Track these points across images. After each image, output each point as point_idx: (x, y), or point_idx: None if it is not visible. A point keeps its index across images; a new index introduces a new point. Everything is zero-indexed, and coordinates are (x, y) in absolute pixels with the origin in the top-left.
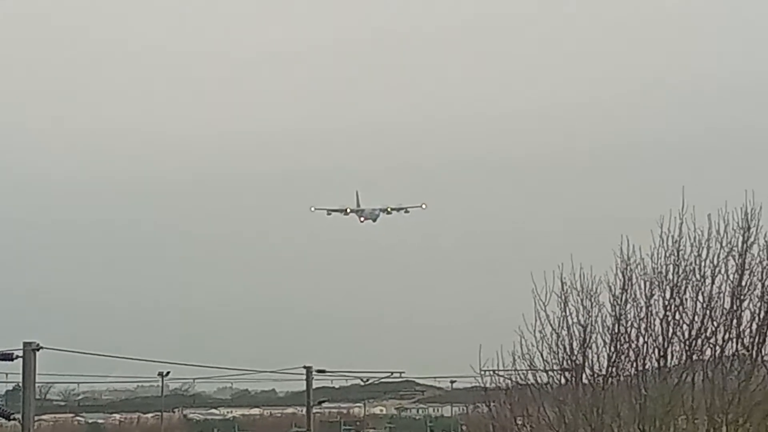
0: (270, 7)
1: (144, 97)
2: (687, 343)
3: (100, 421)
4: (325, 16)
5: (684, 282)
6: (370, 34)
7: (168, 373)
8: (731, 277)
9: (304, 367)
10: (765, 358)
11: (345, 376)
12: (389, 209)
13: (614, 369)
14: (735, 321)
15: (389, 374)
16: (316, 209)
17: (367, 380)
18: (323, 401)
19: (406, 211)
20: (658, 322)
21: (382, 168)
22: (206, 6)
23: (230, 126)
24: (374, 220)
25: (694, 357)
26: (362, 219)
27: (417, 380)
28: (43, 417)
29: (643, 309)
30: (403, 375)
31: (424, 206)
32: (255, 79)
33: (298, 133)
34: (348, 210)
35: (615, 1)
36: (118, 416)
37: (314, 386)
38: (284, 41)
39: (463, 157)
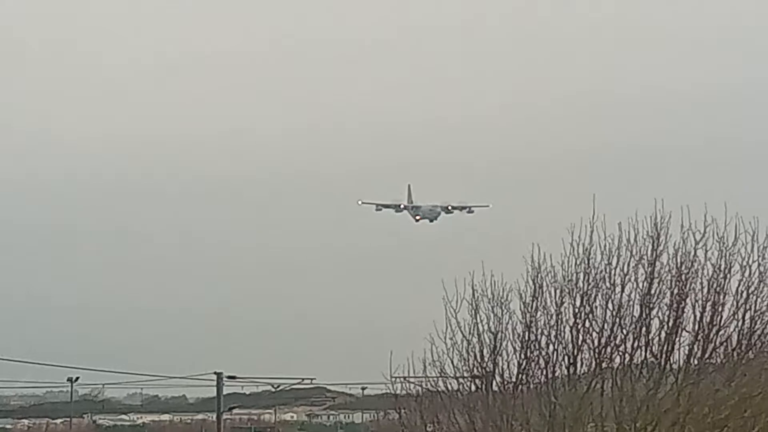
0: None
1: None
2: (596, 350)
3: (8, 426)
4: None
5: (594, 290)
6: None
7: (77, 378)
8: (641, 285)
9: (215, 373)
10: (673, 365)
11: (255, 382)
12: (450, 207)
13: (524, 376)
14: (644, 329)
15: (300, 380)
16: (363, 203)
17: (278, 386)
18: (234, 407)
19: (470, 211)
20: (568, 329)
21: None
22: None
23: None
24: (432, 220)
25: (604, 364)
26: (418, 217)
27: (328, 387)
28: None
29: (554, 316)
30: (314, 381)
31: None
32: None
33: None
34: (402, 206)
35: (532, 14)
36: (26, 422)
37: (225, 392)
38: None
39: None
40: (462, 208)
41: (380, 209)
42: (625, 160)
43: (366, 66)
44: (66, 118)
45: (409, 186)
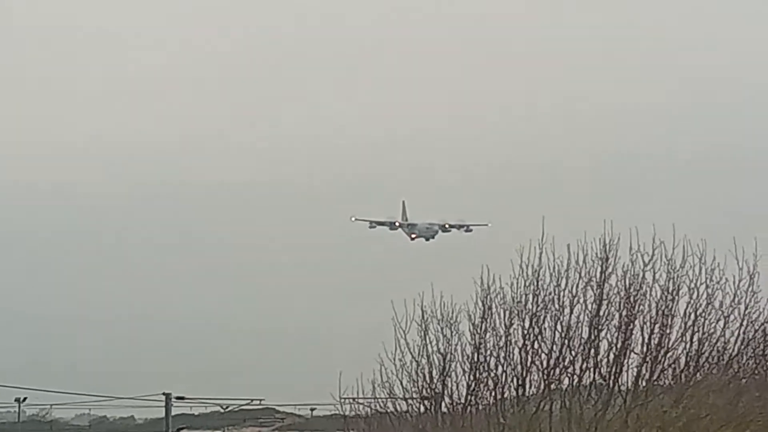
0: None
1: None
2: (545, 372)
3: None
4: None
5: (543, 311)
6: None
7: (25, 398)
8: (589, 306)
9: (164, 393)
10: (622, 387)
11: (204, 403)
12: (447, 225)
13: (473, 398)
14: (593, 350)
15: (249, 401)
16: (356, 219)
17: (227, 407)
18: (182, 428)
19: (468, 230)
20: (517, 351)
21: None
22: None
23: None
24: (428, 239)
25: (552, 386)
26: (414, 235)
27: (277, 407)
28: None
29: (503, 338)
30: (262, 402)
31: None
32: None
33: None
34: (397, 223)
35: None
36: None
37: (173, 413)
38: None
39: None
40: (460, 227)
41: (374, 226)
42: (573, 181)
43: (365, 73)
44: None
45: (403, 202)
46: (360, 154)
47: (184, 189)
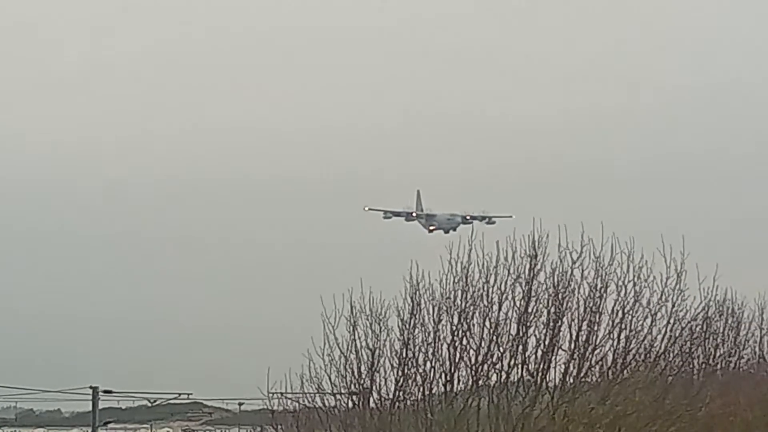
0: None
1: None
2: (473, 368)
3: None
4: None
5: (472, 308)
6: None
7: None
8: (518, 303)
9: (91, 387)
10: (549, 384)
11: (132, 396)
12: (468, 217)
13: (401, 393)
14: (521, 347)
15: (177, 395)
16: (370, 209)
17: (155, 401)
18: (109, 422)
19: (491, 221)
20: (445, 347)
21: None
22: None
23: None
24: (447, 231)
25: (480, 382)
26: (432, 227)
27: (205, 402)
28: None
29: (431, 334)
30: (191, 396)
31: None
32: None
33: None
34: (414, 213)
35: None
36: None
37: (100, 407)
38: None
39: None
40: (482, 218)
41: (389, 217)
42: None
43: (374, 62)
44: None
45: (418, 192)
46: (372, 144)
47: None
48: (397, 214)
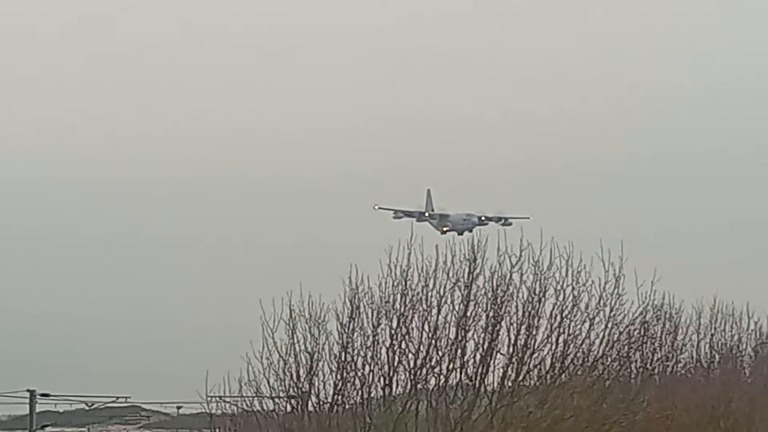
0: None
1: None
2: (412, 372)
3: None
4: None
5: (411, 311)
6: None
7: None
8: (457, 307)
9: (27, 390)
10: (488, 388)
11: (69, 400)
12: (484, 217)
13: (340, 397)
14: (459, 351)
15: (115, 399)
16: (380, 208)
17: (92, 405)
18: (46, 426)
19: (507, 223)
20: (384, 350)
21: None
22: None
23: None
24: (461, 232)
25: (419, 386)
26: (445, 228)
27: (143, 405)
28: None
29: (370, 337)
30: (129, 400)
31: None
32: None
33: None
34: (427, 213)
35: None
36: None
37: (38, 410)
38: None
39: None
40: (498, 219)
41: (400, 216)
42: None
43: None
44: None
45: (428, 191)
46: (380, 142)
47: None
48: (409, 214)
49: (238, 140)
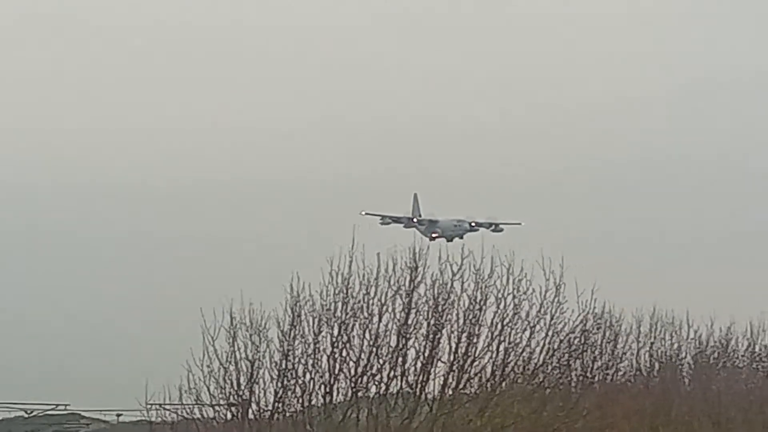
0: None
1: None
2: (353, 379)
3: None
4: None
5: (352, 319)
6: None
7: None
8: (398, 315)
9: None
10: (428, 395)
11: (8, 407)
12: (474, 223)
13: (280, 405)
14: (400, 359)
15: (54, 406)
16: (367, 213)
17: (31, 412)
18: None
19: (498, 229)
20: (325, 358)
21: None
22: None
23: None
24: (451, 239)
25: (360, 394)
26: (433, 235)
27: (82, 413)
28: None
29: (311, 345)
30: (68, 407)
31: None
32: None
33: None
34: (414, 219)
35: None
36: None
37: None
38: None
39: None
40: (489, 225)
41: (388, 222)
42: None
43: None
44: None
45: (415, 195)
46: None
47: None
48: (397, 220)
49: (216, 141)
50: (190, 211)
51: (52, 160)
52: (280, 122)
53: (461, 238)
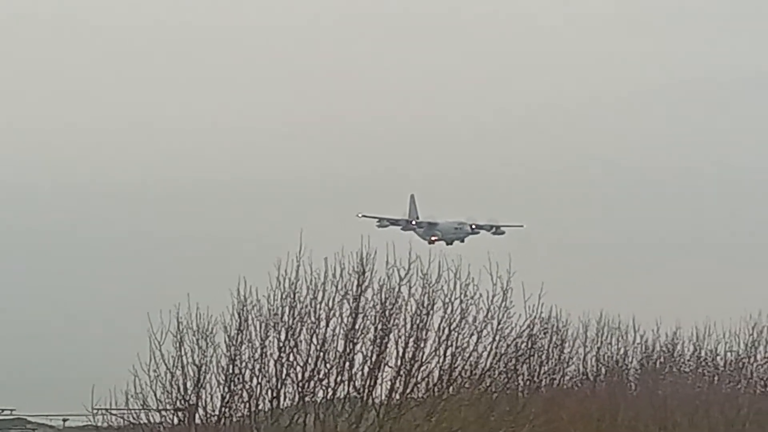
0: None
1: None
2: (300, 384)
3: None
4: None
5: (299, 324)
6: None
7: None
8: (345, 320)
9: None
10: (375, 400)
11: None
12: (474, 226)
13: (227, 409)
14: (347, 363)
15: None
16: (363, 216)
17: None
18: None
19: (499, 231)
20: (272, 363)
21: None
22: None
23: None
24: (451, 242)
25: (307, 399)
26: (433, 238)
27: (28, 417)
28: None
29: (258, 350)
30: (14, 412)
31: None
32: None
33: None
34: (413, 222)
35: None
36: None
37: None
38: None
39: None
40: (490, 228)
41: (385, 225)
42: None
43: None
44: None
45: (412, 196)
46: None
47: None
48: (395, 223)
49: (216, 141)
50: (190, 211)
51: (52, 160)
52: (280, 122)
53: (462, 241)
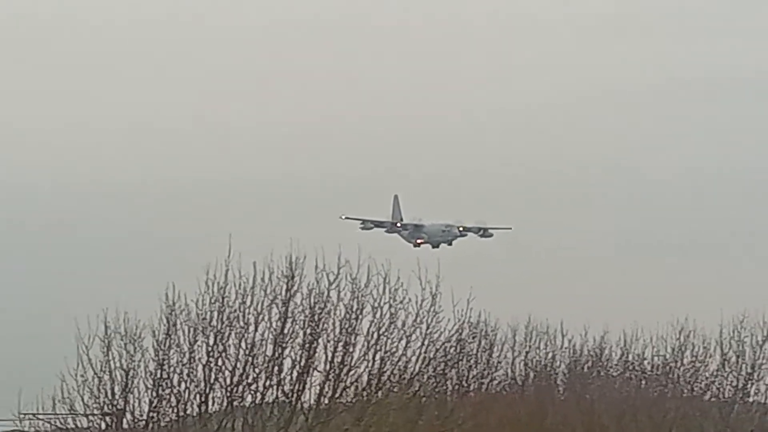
0: None
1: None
2: (228, 389)
3: None
4: None
5: (228, 328)
6: None
7: None
8: (274, 324)
9: None
10: (304, 405)
11: None
12: (462, 228)
13: (155, 414)
14: (276, 368)
15: None
16: (346, 218)
17: None
18: None
19: (487, 234)
20: (200, 367)
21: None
22: None
23: None
24: (437, 245)
25: (235, 403)
26: (419, 241)
27: None
28: None
29: (186, 354)
30: None
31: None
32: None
33: None
34: (398, 223)
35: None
36: None
37: None
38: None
39: None
40: (478, 230)
41: (369, 227)
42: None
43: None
44: None
45: (395, 197)
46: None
47: None
48: (379, 225)
49: (216, 141)
50: (190, 211)
51: (52, 160)
52: (280, 122)
53: (450, 244)
